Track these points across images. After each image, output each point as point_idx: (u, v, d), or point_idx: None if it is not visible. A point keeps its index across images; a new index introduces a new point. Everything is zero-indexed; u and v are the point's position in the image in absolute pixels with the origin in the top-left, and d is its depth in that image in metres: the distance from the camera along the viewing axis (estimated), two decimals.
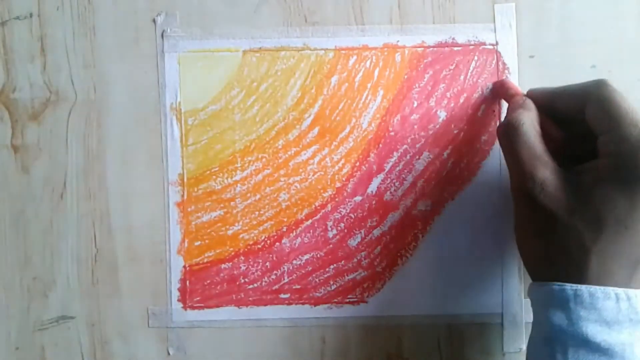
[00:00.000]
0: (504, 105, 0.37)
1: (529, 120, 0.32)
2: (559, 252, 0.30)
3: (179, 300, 0.37)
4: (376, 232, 0.37)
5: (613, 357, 0.27)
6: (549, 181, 0.30)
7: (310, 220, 0.37)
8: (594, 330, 0.27)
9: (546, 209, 0.30)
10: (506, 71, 0.37)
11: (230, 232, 0.37)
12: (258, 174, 0.37)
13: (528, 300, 0.37)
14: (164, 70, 0.37)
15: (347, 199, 0.37)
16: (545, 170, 0.30)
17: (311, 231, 0.37)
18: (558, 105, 0.32)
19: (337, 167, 0.37)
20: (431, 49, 0.37)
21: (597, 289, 0.28)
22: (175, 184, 0.37)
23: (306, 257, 0.37)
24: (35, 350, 0.37)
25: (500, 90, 0.36)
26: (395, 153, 0.37)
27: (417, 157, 0.37)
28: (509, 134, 0.32)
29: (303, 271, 0.37)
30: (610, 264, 0.28)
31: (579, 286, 0.28)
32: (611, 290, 0.28)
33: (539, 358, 0.30)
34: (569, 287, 0.28)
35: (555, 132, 0.33)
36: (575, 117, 0.31)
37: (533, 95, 0.34)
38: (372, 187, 0.37)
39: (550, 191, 0.30)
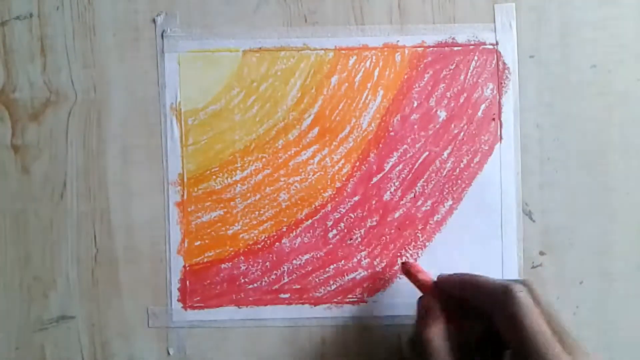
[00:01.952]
0: (504, 105, 0.37)
1: (438, 336, 0.31)
2: None
3: (179, 300, 0.37)
4: (376, 232, 0.37)
5: None
6: None
7: (310, 220, 0.37)
8: None
9: None
10: (506, 71, 0.37)
11: (230, 232, 0.37)
12: (258, 174, 0.37)
13: None
14: (164, 70, 0.37)
15: (347, 199, 0.37)
16: None
17: (311, 231, 0.37)
18: (468, 297, 0.31)
19: (337, 167, 0.37)
20: (431, 48, 0.37)
21: None
22: (175, 184, 0.37)
23: (306, 257, 0.37)
24: (35, 350, 0.37)
25: (407, 275, 0.35)
26: (395, 153, 0.37)
27: (417, 157, 0.37)
28: (420, 352, 0.31)
29: (303, 271, 0.37)
30: None
31: None
32: None
33: None
34: None
35: (466, 326, 0.32)
36: (486, 312, 0.30)
37: (443, 281, 0.33)
38: (372, 187, 0.37)
39: None
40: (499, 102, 0.37)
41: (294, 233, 0.37)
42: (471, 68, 0.37)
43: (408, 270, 0.35)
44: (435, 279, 0.34)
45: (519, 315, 0.28)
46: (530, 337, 0.28)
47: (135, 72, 0.37)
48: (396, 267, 0.37)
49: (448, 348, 0.31)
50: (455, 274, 0.33)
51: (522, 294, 0.29)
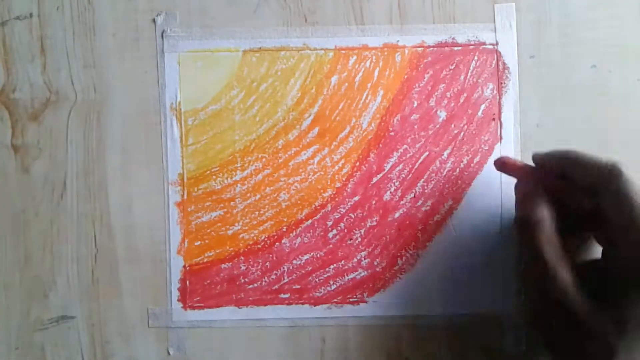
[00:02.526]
0: (504, 105, 0.37)
1: (548, 218, 0.31)
2: (585, 348, 0.29)
3: (179, 300, 0.37)
4: (376, 232, 0.37)
5: None
6: (570, 284, 0.29)
7: (310, 220, 0.37)
8: None
9: (569, 311, 0.29)
10: (506, 71, 0.37)
11: (230, 232, 0.37)
12: (258, 174, 0.37)
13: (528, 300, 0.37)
14: (164, 70, 0.37)
15: (347, 199, 0.37)
16: (567, 273, 0.30)
17: (311, 231, 0.37)
18: (570, 173, 0.31)
19: (337, 167, 0.37)
20: (431, 48, 0.37)
21: None
22: (175, 184, 0.37)
23: (306, 257, 0.37)
24: (35, 350, 0.37)
25: (503, 168, 0.35)
26: (395, 153, 0.37)
27: (417, 157, 0.37)
28: (530, 231, 0.31)
29: (303, 271, 0.37)
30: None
31: None
32: None
33: None
34: None
35: (566, 206, 0.32)
36: (586, 188, 0.30)
37: (543, 158, 0.33)
38: (372, 187, 0.37)
39: (571, 295, 0.29)
40: (499, 102, 0.37)
41: (294, 233, 0.37)
42: (471, 68, 0.37)
43: (504, 163, 0.35)
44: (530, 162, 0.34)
45: (628, 191, 0.28)
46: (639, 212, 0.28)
47: (135, 72, 0.37)
48: (396, 267, 0.37)
49: (556, 231, 0.31)
50: (554, 150, 0.33)
51: (629, 170, 0.29)
